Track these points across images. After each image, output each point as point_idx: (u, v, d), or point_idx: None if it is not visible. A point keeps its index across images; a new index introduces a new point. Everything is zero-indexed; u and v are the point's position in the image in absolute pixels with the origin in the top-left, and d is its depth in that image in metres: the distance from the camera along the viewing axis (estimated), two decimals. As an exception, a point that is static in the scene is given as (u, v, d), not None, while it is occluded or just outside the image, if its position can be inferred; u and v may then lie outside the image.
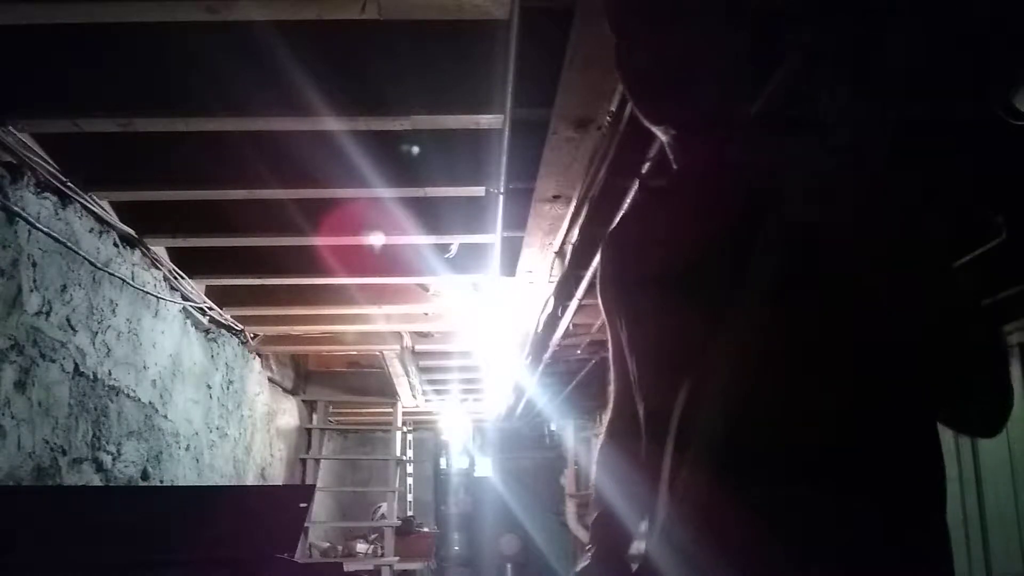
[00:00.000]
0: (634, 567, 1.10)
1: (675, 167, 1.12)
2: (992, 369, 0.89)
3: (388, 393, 6.78)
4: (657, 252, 1.10)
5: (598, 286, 1.25)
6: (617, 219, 2.69)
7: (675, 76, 1.00)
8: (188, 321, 4.09)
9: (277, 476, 5.97)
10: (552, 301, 3.98)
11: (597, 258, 3.07)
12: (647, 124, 1.08)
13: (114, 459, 3.27)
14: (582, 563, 1.24)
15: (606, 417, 1.27)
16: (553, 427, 9.65)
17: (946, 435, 0.99)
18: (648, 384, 1.08)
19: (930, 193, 0.93)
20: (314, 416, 6.85)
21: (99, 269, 3.06)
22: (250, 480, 5.20)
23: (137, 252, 3.40)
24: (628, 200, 2.64)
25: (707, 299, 0.95)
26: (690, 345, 0.96)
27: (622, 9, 1.06)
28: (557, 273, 3.60)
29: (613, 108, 2.25)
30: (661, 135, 1.09)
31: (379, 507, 7.37)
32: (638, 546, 1.07)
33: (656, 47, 1.01)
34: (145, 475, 3.57)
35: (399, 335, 5.24)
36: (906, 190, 0.94)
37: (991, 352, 0.91)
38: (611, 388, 1.24)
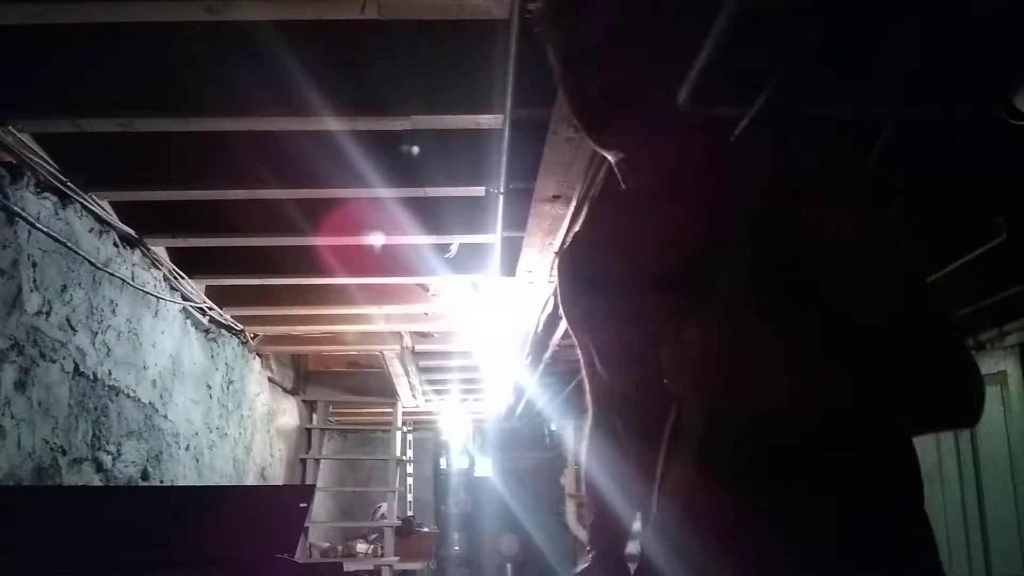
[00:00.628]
0: (632, 567, 1.10)
1: (624, 185, 1.11)
2: (963, 354, 0.91)
3: (388, 393, 6.78)
4: (628, 254, 1.09)
5: (560, 300, 1.25)
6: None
7: (619, 100, 0.99)
8: (188, 321, 4.09)
9: (277, 476, 5.97)
10: (552, 301, 3.98)
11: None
12: (597, 148, 1.08)
13: (114, 459, 3.27)
14: (582, 564, 1.24)
15: (587, 420, 1.28)
16: (553, 427, 9.65)
17: (947, 435, 0.99)
18: (621, 384, 1.09)
19: (930, 193, 0.94)
20: (314, 416, 6.85)
21: (99, 269, 3.06)
22: (250, 480, 5.20)
23: (137, 252, 3.40)
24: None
25: (692, 300, 0.95)
26: (677, 346, 0.96)
27: (564, 38, 1.04)
28: (557, 273, 3.60)
29: (613, 108, 2.24)
30: (611, 158, 1.09)
31: (379, 507, 7.37)
32: (635, 546, 1.08)
33: (598, 73, 0.99)
34: (145, 475, 3.57)
35: (399, 335, 5.24)
36: (870, 188, 0.94)
37: (957, 339, 0.93)
38: (587, 398, 1.25)
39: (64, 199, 2.80)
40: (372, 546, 6.99)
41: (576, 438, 8.30)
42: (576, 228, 2.68)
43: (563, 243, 2.93)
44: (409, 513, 8.37)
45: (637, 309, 1.03)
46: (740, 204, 0.93)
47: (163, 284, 3.68)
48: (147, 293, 3.50)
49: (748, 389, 0.88)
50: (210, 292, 4.20)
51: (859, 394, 0.90)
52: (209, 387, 4.45)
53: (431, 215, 3.18)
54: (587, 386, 1.24)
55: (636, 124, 1.01)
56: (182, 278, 3.76)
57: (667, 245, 1.02)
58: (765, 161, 0.97)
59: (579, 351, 1.21)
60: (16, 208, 2.54)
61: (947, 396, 0.89)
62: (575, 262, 1.22)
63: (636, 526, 1.09)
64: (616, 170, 1.10)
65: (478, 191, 2.87)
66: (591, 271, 1.17)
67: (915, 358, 0.88)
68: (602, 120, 1.02)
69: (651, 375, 0.95)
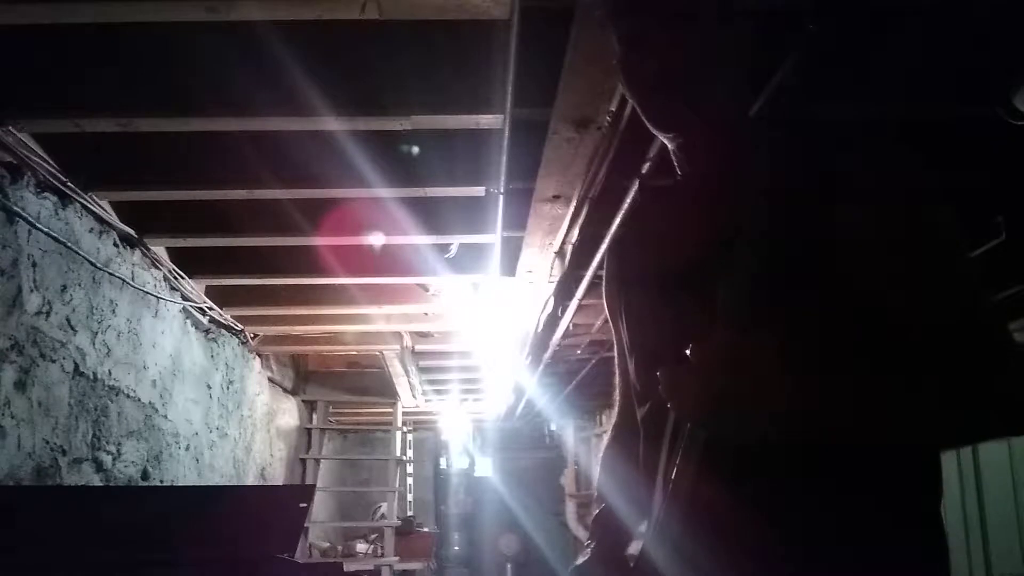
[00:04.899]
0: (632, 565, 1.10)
1: (679, 172, 1.12)
2: (1011, 363, 0.86)
3: (388, 393, 6.79)
4: (657, 251, 1.10)
5: (603, 286, 1.26)
6: (620, 220, 2.70)
7: (684, 82, 1.00)
8: (188, 321, 4.09)
9: (277, 476, 5.97)
10: (552, 301, 3.98)
11: (598, 258, 3.09)
12: (653, 130, 1.08)
13: (114, 459, 3.27)
14: (581, 558, 1.24)
15: (611, 418, 1.27)
16: (553, 427, 9.66)
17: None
18: (646, 382, 1.08)
19: (943, 192, 0.92)
20: (314, 416, 6.85)
21: (99, 269, 3.06)
22: (250, 480, 5.20)
23: (137, 252, 3.40)
24: (628, 200, 2.65)
25: (706, 298, 0.95)
26: (687, 343, 0.96)
27: (629, 16, 1.05)
28: (557, 273, 3.60)
29: (613, 108, 2.25)
30: (668, 142, 1.09)
31: (379, 507, 7.37)
32: (636, 546, 1.07)
33: (664, 51, 1.00)
34: (145, 475, 3.57)
35: (399, 335, 5.24)
36: (914, 188, 0.93)
37: (1008, 346, 0.88)
38: (616, 390, 1.25)
39: (64, 199, 2.80)
40: (372, 546, 6.99)
41: (593, 434, 8.31)
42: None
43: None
44: (409, 513, 8.36)
45: (665, 308, 1.04)
46: (759, 203, 0.93)
47: (163, 284, 3.68)
48: (147, 293, 3.50)
49: (753, 381, 0.87)
50: (210, 292, 4.20)
51: (889, 416, 0.88)
52: (209, 387, 4.45)
53: (431, 215, 3.18)
54: (617, 381, 1.24)
55: (694, 110, 1.02)
56: (182, 278, 3.76)
57: (689, 239, 1.03)
58: (791, 160, 0.97)
59: (614, 343, 1.21)
60: (16, 208, 2.54)
61: (996, 410, 0.86)
62: (614, 253, 1.24)
63: (640, 527, 1.09)
64: (673, 157, 1.11)
65: (478, 191, 2.87)
66: (625, 261, 1.18)
67: (956, 370, 0.85)
68: (661, 101, 1.03)
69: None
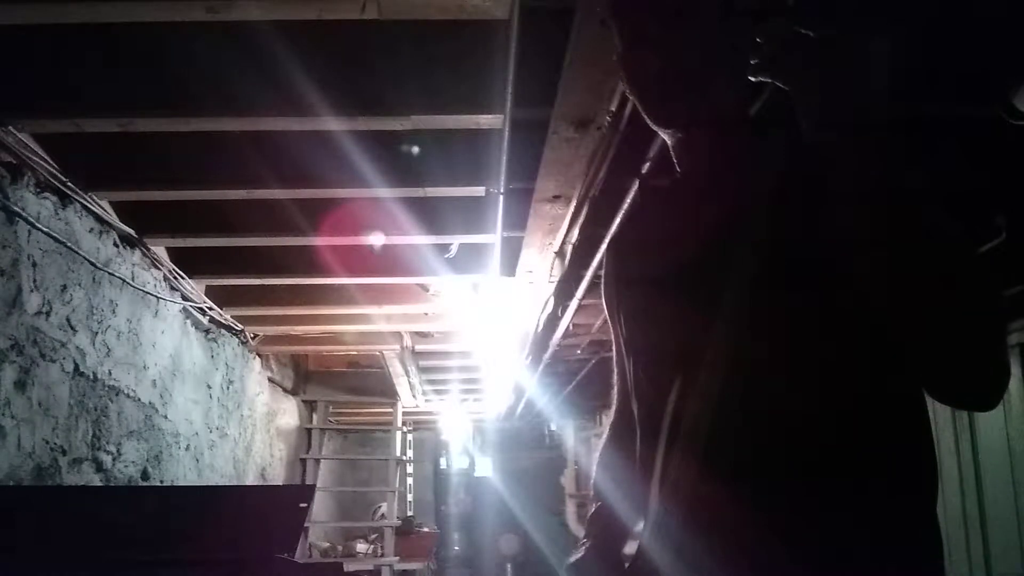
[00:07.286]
0: (627, 565, 1.10)
1: (679, 168, 1.11)
2: (979, 337, 0.85)
3: (388, 393, 6.79)
4: (656, 251, 1.10)
5: (602, 286, 1.25)
6: (620, 219, 2.70)
7: (685, 77, 1.00)
8: (188, 321, 4.09)
9: (277, 476, 5.97)
10: (552, 301, 3.98)
11: (598, 258, 3.09)
12: (654, 127, 1.08)
13: (114, 459, 3.27)
14: (576, 555, 1.23)
15: (608, 417, 1.27)
16: (553, 427, 9.66)
17: (947, 435, 0.98)
18: (644, 382, 1.09)
19: (942, 194, 0.92)
20: (314, 416, 6.85)
21: (99, 269, 3.06)
22: (250, 480, 5.21)
23: (137, 252, 3.40)
24: (628, 200, 2.65)
25: (705, 297, 0.95)
26: (686, 343, 0.96)
27: (629, 10, 1.05)
28: (557, 273, 3.60)
29: (613, 108, 2.25)
30: (667, 138, 1.09)
31: (379, 507, 7.37)
32: (633, 545, 1.07)
33: (665, 48, 1.00)
34: (145, 475, 3.57)
35: (399, 335, 5.24)
36: (914, 188, 0.93)
37: (979, 319, 0.86)
38: (613, 388, 1.25)
39: (64, 199, 2.80)
40: (372, 546, 6.99)
41: (593, 434, 8.32)
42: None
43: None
44: (409, 513, 8.37)
45: (663, 307, 1.04)
46: (759, 203, 0.93)
47: (163, 284, 3.68)
48: (147, 293, 3.50)
49: (751, 381, 0.87)
50: (210, 292, 4.20)
51: (869, 395, 0.89)
52: (209, 387, 4.45)
53: (431, 215, 3.18)
54: (614, 377, 1.24)
55: (695, 105, 1.02)
56: (182, 278, 3.76)
57: (687, 238, 1.03)
58: (791, 159, 0.97)
59: (612, 342, 1.21)
60: (16, 208, 2.54)
61: (965, 368, 0.85)
62: (613, 253, 1.24)
63: (636, 525, 1.09)
64: (672, 152, 1.11)
65: (478, 191, 2.87)
66: (623, 261, 1.18)
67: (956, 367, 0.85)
68: (661, 96, 1.03)
69: (668, 366, 0.95)
